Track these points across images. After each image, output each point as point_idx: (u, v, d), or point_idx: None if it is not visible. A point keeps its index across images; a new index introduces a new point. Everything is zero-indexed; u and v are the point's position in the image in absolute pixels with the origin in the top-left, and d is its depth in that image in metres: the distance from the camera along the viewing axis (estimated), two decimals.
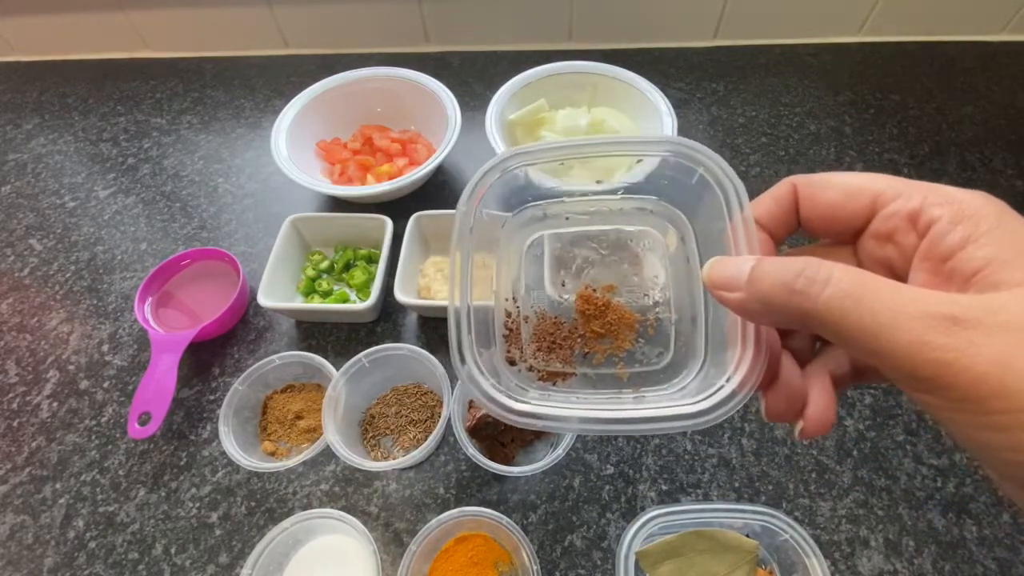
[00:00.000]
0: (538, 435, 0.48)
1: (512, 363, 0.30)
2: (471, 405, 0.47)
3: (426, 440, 0.46)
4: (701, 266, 0.27)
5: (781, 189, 0.24)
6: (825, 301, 0.18)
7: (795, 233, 0.25)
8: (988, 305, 0.16)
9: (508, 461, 0.46)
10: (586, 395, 0.29)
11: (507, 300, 0.31)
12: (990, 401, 0.16)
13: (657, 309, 0.31)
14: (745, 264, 0.21)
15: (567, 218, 0.33)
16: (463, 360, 0.25)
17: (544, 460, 0.42)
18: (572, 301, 0.31)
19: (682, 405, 0.24)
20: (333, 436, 0.44)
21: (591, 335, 0.30)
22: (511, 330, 0.31)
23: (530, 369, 0.30)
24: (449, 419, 0.45)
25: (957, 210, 0.19)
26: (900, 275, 0.21)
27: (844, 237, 0.23)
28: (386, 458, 0.48)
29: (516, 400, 0.25)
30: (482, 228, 0.29)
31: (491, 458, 0.44)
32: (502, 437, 0.46)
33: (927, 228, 0.20)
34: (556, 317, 0.31)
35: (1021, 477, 0.17)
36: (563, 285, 0.32)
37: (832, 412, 0.22)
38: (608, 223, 0.33)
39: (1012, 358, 0.15)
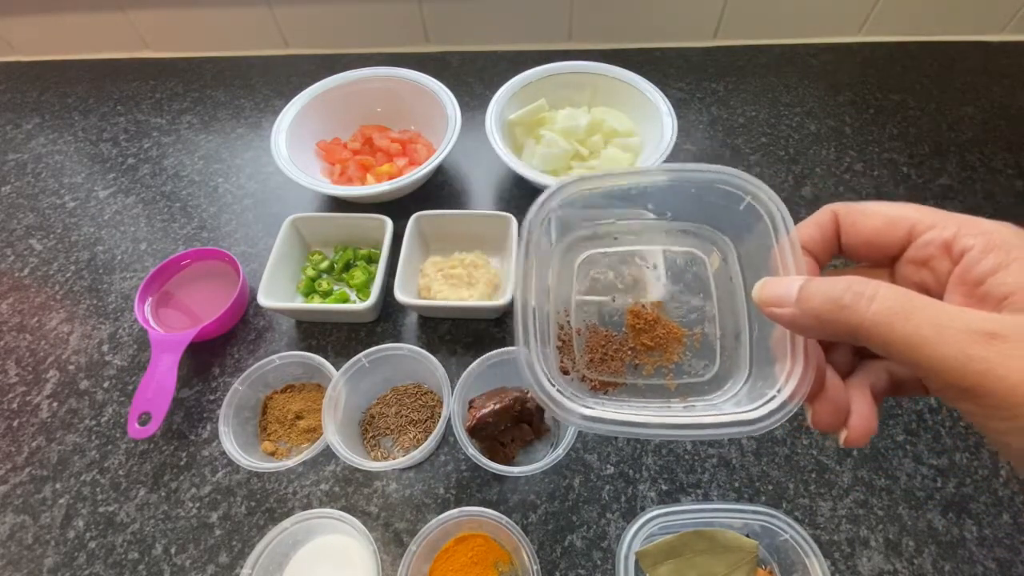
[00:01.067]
0: (538, 435, 0.48)
1: (565, 372, 0.31)
2: (471, 405, 0.47)
3: (426, 440, 0.46)
4: (744, 286, 0.31)
5: (823, 216, 0.27)
6: (872, 315, 0.20)
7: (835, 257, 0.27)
8: (1022, 324, 0.18)
9: (508, 461, 0.46)
10: (637, 403, 0.31)
11: (559, 313, 0.33)
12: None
13: (703, 324, 0.33)
14: (794, 283, 0.23)
15: (616, 238, 0.35)
16: (529, 355, 0.27)
17: (544, 460, 0.42)
18: (623, 315, 0.33)
19: (738, 413, 0.25)
20: (333, 436, 0.44)
21: (641, 348, 0.32)
22: (564, 342, 0.33)
23: (583, 379, 0.31)
24: (449, 419, 0.45)
25: (988, 240, 0.21)
26: (935, 297, 0.22)
27: (883, 261, 0.26)
28: (386, 458, 0.48)
29: (580, 404, 0.26)
30: (540, 244, 0.31)
31: (491, 458, 0.44)
32: (502, 437, 0.46)
33: (960, 256, 0.22)
34: (607, 330, 0.33)
35: None
36: (613, 300, 0.34)
37: (874, 422, 0.24)
38: (655, 243, 0.35)
39: None
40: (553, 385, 0.27)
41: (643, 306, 0.33)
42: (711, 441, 0.49)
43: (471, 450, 0.43)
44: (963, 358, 0.18)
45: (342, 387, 0.47)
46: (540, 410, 0.48)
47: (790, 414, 0.24)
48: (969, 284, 0.21)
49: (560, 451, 0.42)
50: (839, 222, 0.26)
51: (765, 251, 0.28)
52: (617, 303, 0.34)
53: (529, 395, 0.47)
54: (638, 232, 0.35)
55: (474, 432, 0.45)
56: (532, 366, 0.27)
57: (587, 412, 0.26)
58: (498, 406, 0.44)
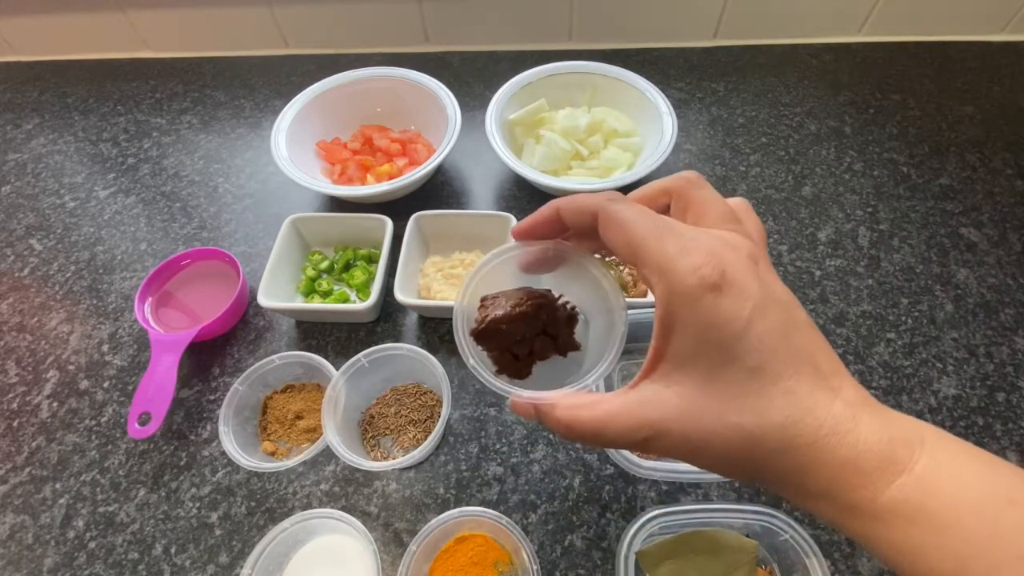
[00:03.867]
0: (563, 352, 0.36)
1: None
2: (482, 303, 0.34)
3: (426, 440, 0.46)
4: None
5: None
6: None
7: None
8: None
9: (520, 378, 0.35)
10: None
11: None
12: None
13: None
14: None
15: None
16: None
17: (569, 387, 0.29)
18: None
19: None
20: (333, 436, 0.44)
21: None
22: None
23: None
24: (449, 419, 0.44)
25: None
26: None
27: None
28: (386, 458, 0.48)
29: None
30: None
31: (500, 371, 0.33)
32: (516, 349, 0.34)
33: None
34: None
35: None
36: None
37: None
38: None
39: None
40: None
41: None
42: None
43: (472, 360, 0.31)
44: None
45: (342, 387, 0.47)
46: (571, 320, 0.35)
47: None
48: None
49: (590, 380, 0.30)
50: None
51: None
52: None
53: (561, 300, 0.34)
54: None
55: (481, 338, 0.33)
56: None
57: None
58: (516, 310, 0.32)
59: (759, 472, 0.22)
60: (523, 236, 0.29)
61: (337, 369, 0.47)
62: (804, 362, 0.21)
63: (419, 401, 0.51)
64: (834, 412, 0.21)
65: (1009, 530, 0.18)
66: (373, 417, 0.51)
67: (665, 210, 0.27)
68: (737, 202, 0.27)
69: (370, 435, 0.50)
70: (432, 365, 0.47)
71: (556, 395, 0.27)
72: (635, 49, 0.84)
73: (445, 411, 0.45)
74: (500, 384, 0.31)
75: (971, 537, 0.19)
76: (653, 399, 0.23)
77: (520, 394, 0.28)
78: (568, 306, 0.35)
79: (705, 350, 0.22)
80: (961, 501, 0.19)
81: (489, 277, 0.34)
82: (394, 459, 0.47)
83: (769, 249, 0.60)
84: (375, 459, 0.48)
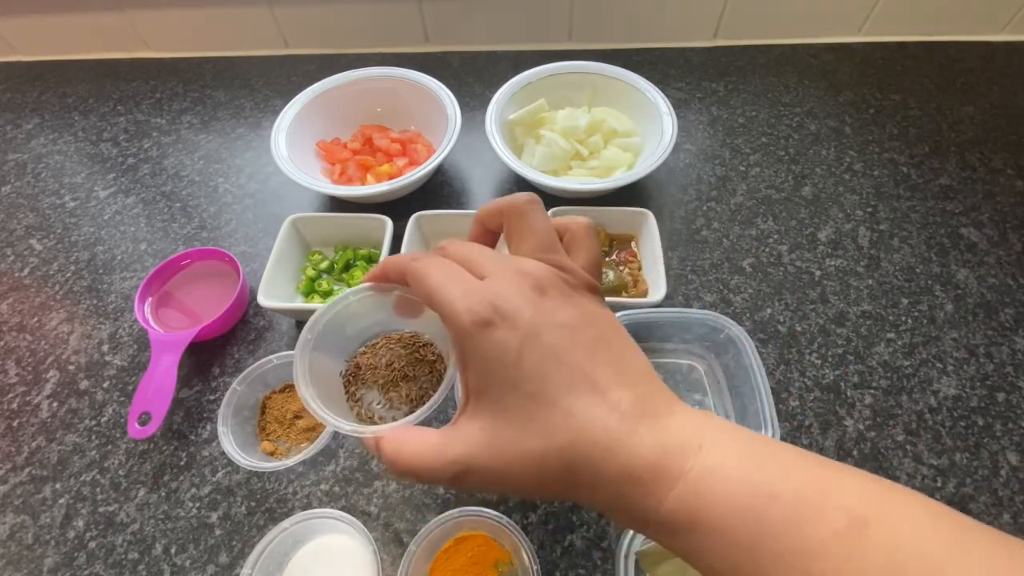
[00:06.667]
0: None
1: None
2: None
3: (424, 403, 0.32)
4: (729, 388, 0.50)
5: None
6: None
7: None
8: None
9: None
10: None
11: None
12: None
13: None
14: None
15: None
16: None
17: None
18: None
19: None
20: (306, 391, 0.31)
21: None
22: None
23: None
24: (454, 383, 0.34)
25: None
26: None
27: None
28: (371, 417, 0.35)
29: None
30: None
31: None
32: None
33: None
34: None
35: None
36: None
37: None
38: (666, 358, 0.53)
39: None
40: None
41: None
42: None
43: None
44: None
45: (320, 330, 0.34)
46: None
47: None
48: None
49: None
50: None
51: (735, 365, 0.46)
52: None
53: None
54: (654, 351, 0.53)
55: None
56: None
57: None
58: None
59: (558, 493, 0.23)
60: (374, 280, 0.31)
61: None
62: (578, 381, 0.22)
63: (417, 355, 0.37)
64: (608, 427, 0.22)
65: (770, 527, 0.19)
66: (359, 367, 0.38)
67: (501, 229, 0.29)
68: (578, 225, 0.28)
69: (353, 389, 0.37)
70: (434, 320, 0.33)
71: (384, 428, 0.27)
72: (635, 49, 0.84)
73: (451, 370, 0.31)
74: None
75: (738, 539, 0.19)
76: (461, 435, 0.23)
77: (364, 431, 0.28)
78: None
79: (491, 382, 0.23)
80: (729, 504, 0.20)
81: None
82: (385, 422, 0.33)
83: (769, 249, 0.60)
84: (358, 417, 0.35)
